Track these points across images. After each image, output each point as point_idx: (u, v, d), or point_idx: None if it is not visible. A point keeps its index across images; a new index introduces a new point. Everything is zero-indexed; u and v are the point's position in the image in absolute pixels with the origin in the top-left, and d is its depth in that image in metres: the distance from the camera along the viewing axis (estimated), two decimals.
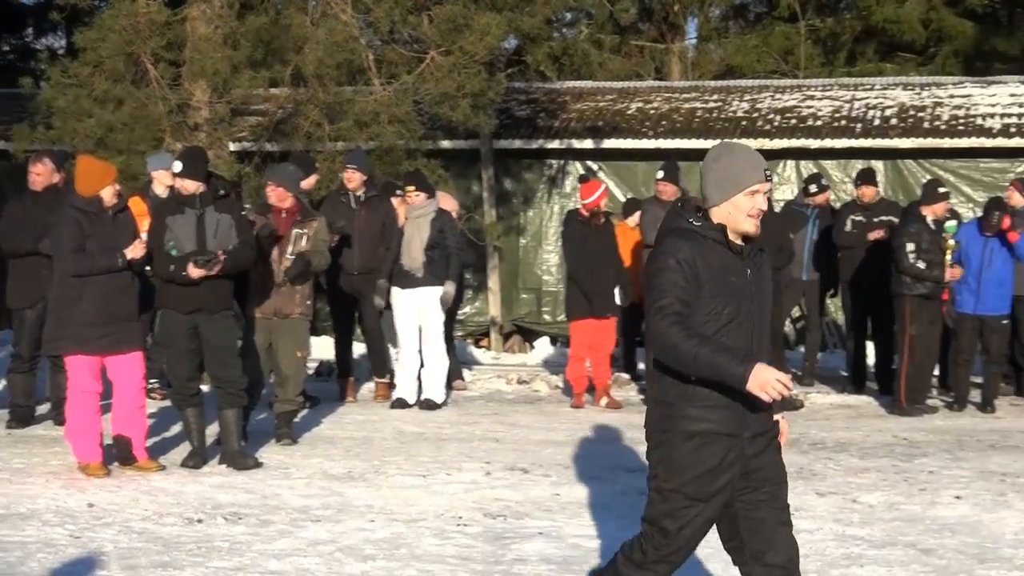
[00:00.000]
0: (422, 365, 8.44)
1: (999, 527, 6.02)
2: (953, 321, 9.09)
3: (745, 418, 3.19)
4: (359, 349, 9.57)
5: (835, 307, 11.50)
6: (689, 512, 3.22)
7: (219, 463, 6.52)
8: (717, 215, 3.21)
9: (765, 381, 3.01)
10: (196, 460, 6.17)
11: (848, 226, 9.63)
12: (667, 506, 3.24)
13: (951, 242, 8.86)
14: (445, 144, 12.57)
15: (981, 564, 5.23)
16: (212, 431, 6.75)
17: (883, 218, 9.50)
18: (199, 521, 5.38)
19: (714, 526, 3.37)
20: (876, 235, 9.24)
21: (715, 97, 14.82)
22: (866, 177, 10.01)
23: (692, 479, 3.19)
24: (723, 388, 3.12)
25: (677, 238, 3.17)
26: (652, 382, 3.38)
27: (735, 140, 2.51)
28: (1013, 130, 13.08)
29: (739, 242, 3.19)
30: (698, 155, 12.33)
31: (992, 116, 13.51)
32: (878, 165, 12.29)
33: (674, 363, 3.13)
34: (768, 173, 3.23)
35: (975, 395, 9.43)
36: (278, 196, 6.92)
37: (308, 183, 8.08)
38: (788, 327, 11.58)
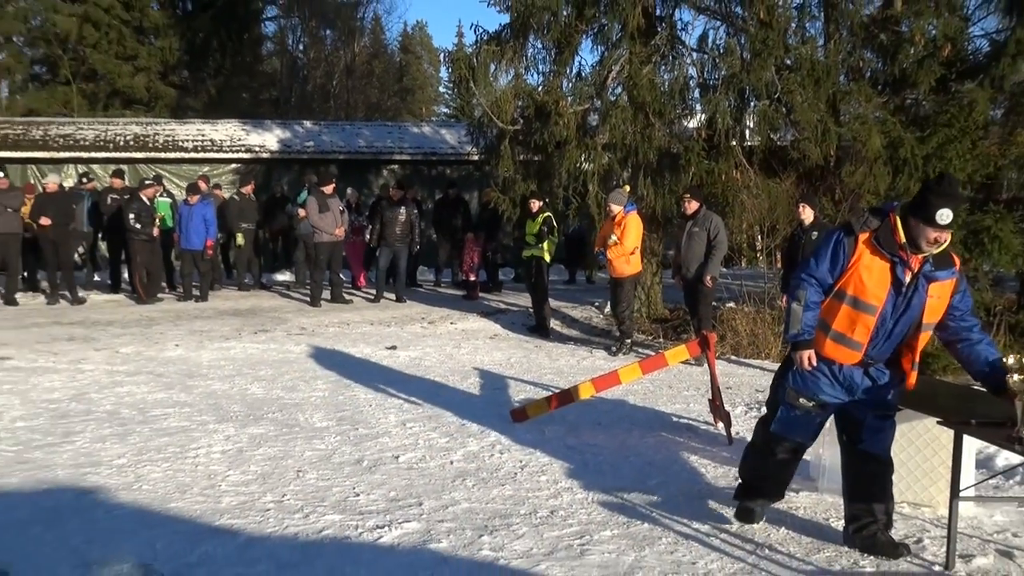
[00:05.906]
0: None
1: (198, 359, 7.71)
2: None
3: None
4: None
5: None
6: None
7: None
8: None
9: None
10: None
11: (108, 201, 13.12)
12: None
13: (160, 213, 12.64)
14: None
15: (190, 378, 6.87)
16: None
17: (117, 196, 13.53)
18: None
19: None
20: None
21: (21, 127, 19.38)
22: (118, 173, 14.31)
23: None
24: None
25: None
26: None
27: None
28: (200, 148, 18.91)
29: None
30: None
31: (187, 141, 19.18)
32: (123, 167, 16.30)
33: None
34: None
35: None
36: None
37: None
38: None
